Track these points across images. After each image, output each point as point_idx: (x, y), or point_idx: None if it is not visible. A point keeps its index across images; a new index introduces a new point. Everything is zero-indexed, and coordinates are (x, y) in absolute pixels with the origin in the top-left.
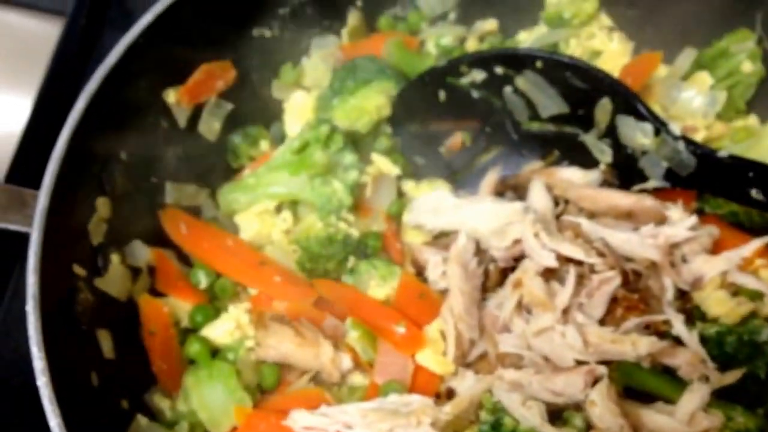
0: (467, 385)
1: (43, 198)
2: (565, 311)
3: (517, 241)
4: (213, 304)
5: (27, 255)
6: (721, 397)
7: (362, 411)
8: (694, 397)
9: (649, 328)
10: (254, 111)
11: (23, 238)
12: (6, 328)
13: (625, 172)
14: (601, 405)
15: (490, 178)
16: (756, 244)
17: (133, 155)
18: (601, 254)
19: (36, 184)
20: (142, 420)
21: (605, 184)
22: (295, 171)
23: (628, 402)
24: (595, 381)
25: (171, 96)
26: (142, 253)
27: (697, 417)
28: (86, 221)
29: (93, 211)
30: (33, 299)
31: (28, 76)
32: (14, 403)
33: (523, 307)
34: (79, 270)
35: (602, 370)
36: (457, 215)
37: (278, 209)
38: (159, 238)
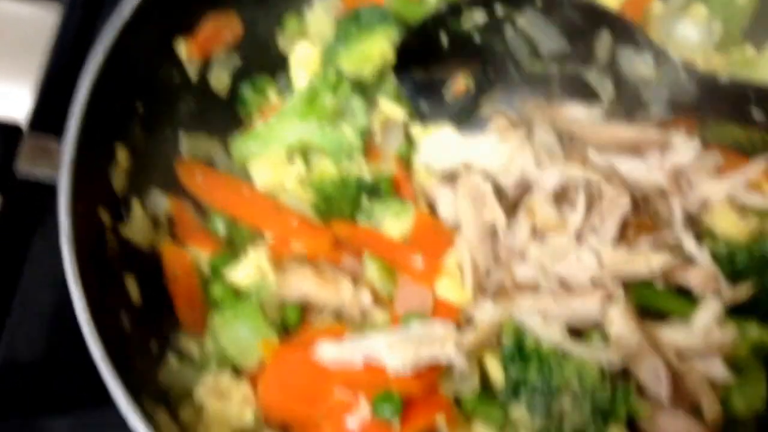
0: (486, 313)
1: (68, 145)
2: (579, 236)
3: (523, 173)
4: (232, 251)
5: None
6: (734, 313)
7: (388, 340)
8: (707, 312)
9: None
10: (261, 63)
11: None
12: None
13: (628, 105)
14: (619, 322)
15: (496, 118)
16: (761, 163)
17: (149, 107)
18: (608, 178)
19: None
20: (172, 361)
21: (608, 119)
22: (305, 118)
23: (644, 321)
24: (611, 301)
25: (182, 49)
26: (162, 202)
27: (712, 331)
28: (108, 170)
29: (114, 160)
30: (67, 239)
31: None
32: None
33: (537, 234)
34: (104, 216)
35: (618, 289)
36: (464, 153)
37: (290, 159)
38: (177, 189)
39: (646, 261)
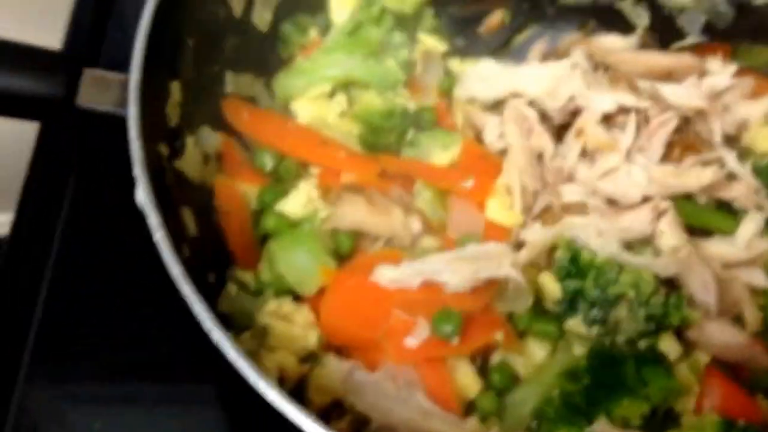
0: (536, 234)
1: (135, 75)
2: (628, 154)
3: (571, 98)
4: (280, 185)
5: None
6: None
7: (446, 259)
8: (751, 225)
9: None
10: (302, 1)
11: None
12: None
13: (663, 33)
14: (670, 234)
15: (536, 48)
16: None
17: (198, 42)
18: (654, 101)
19: None
20: (231, 288)
21: (644, 47)
22: (349, 51)
23: (691, 236)
24: (660, 215)
25: None
26: (212, 138)
27: (755, 242)
28: (165, 103)
29: (168, 94)
30: (140, 164)
31: None
32: None
33: (586, 155)
34: (163, 149)
35: (667, 203)
36: (507, 82)
37: (332, 95)
38: (225, 127)
39: (696, 176)
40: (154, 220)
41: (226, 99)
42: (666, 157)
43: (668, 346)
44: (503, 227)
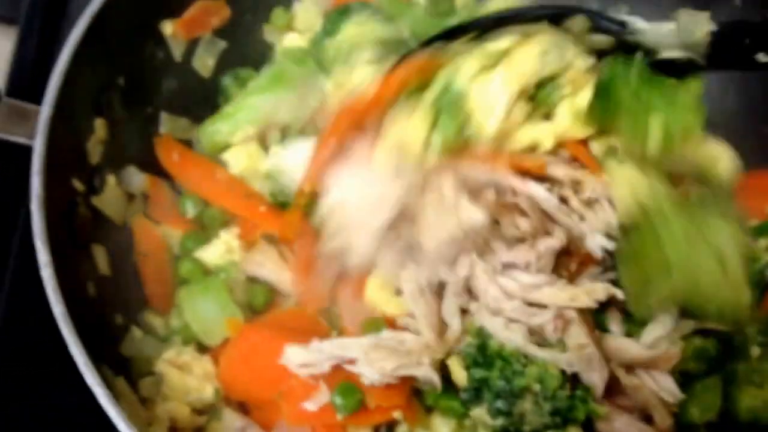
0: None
1: (46, 109)
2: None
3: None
4: (203, 232)
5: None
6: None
7: (362, 347)
8: (658, 328)
9: None
10: (247, 52)
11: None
12: None
13: None
14: (575, 333)
15: None
16: None
17: (130, 82)
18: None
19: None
20: (136, 333)
21: None
22: (272, 90)
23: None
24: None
25: (168, 27)
26: (137, 179)
27: (660, 342)
28: (85, 140)
29: (91, 131)
30: (37, 199)
31: None
32: None
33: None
34: (78, 185)
35: (573, 313)
36: None
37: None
38: (153, 167)
39: (588, 293)
40: (42, 257)
41: (160, 138)
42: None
43: None
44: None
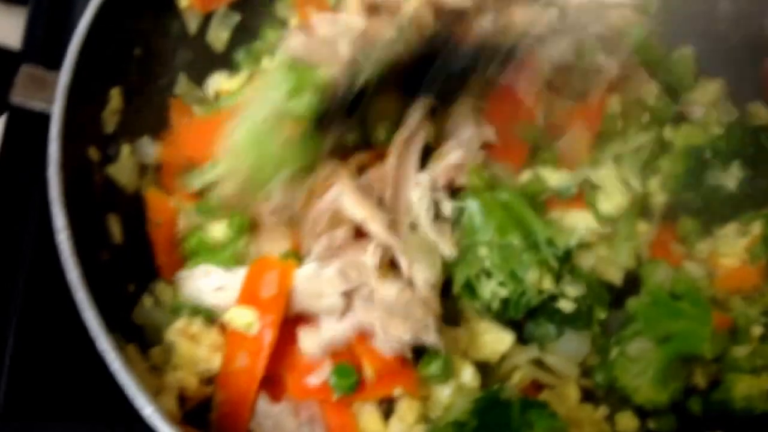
0: None
1: (64, 75)
2: None
3: None
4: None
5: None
6: None
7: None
8: None
9: None
10: (260, 26)
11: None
12: None
13: None
14: None
15: None
16: None
17: (146, 53)
18: None
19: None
20: (147, 301)
21: None
22: None
23: None
24: None
25: (183, 0)
26: (151, 150)
27: None
28: (101, 108)
29: (107, 99)
30: (55, 165)
31: None
32: None
33: None
34: (93, 153)
35: None
36: None
37: None
38: (169, 139)
39: None
40: (59, 221)
41: (176, 100)
42: None
43: None
44: None
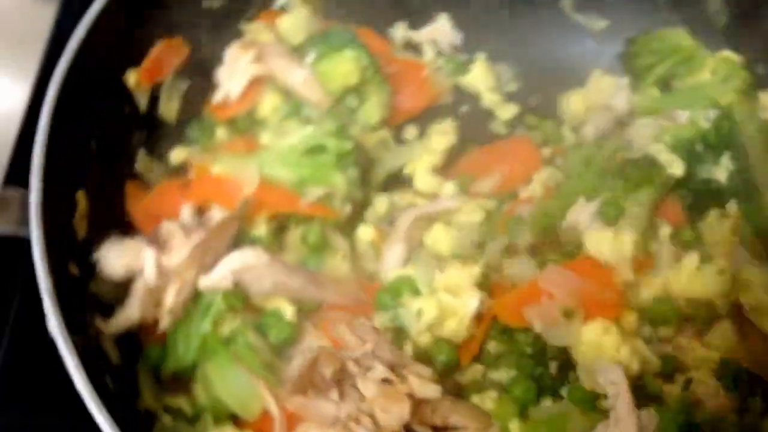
0: None
1: (35, 197)
2: None
3: None
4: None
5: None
6: None
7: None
8: None
9: None
10: (209, 88)
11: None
12: None
13: None
14: None
15: None
16: None
17: (102, 145)
18: None
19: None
20: (166, 419)
21: None
22: None
23: None
24: None
25: (131, 78)
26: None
27: None
28: (70, 217)
29: (75, 205)
30: (48, 292)
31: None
32: None
33: None
34: (73, 269)
35: None
36: None
37: None
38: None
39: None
40: (70, 362)
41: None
42: None
43: None
44: None
